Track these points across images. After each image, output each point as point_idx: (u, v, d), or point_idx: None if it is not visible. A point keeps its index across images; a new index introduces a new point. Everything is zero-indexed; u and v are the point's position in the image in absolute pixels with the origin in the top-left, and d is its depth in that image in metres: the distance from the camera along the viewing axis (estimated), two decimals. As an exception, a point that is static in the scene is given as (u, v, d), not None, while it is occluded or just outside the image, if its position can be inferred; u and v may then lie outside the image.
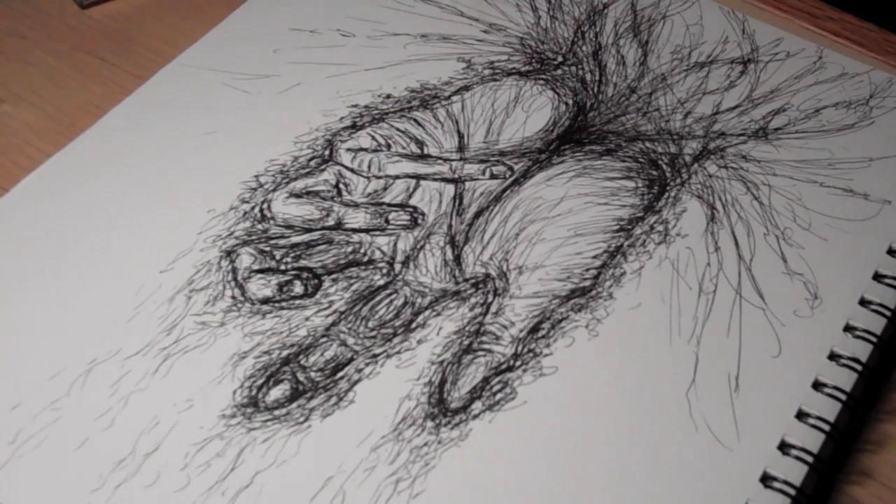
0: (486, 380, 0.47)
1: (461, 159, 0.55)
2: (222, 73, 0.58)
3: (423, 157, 0.55)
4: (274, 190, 0.53)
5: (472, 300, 0.49)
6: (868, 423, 0.48)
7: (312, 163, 0.54)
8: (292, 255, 0.50)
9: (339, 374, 0.46)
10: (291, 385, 0.46)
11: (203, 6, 0.64)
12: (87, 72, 0.60)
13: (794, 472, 0.44)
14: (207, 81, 0.58)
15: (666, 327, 0.49)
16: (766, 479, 0.44)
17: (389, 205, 0.53)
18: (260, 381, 0.46)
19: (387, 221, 0.52)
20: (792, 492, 0.43)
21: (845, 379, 0.47)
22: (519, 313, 0.49)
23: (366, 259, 0.51)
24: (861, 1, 0.66)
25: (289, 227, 0.52)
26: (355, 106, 0.57)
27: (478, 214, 0.53)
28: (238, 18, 0.62)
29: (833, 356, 0.48)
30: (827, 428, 0.45)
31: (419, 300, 0.49)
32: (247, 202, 0.52)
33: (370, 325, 0.48)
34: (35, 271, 0.49)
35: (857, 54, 0.63)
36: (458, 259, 0.51)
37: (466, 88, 0.59)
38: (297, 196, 0.53)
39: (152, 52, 0.61)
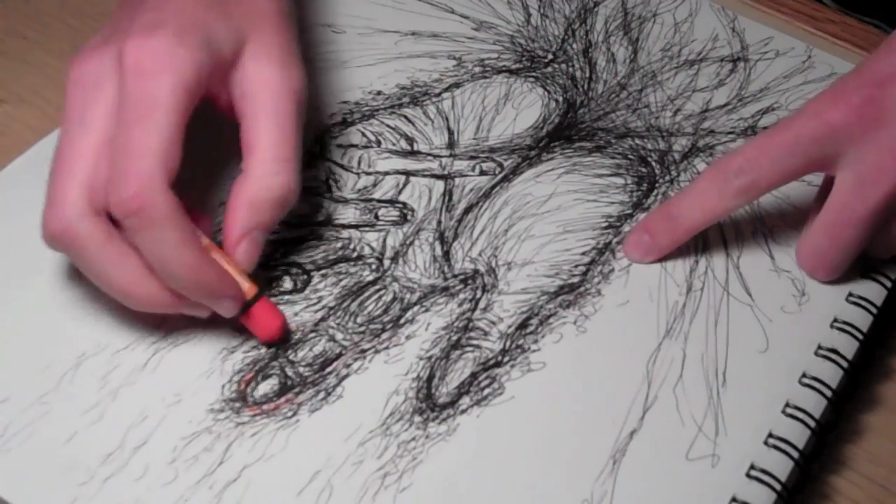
0: (473, 375, 0.47)
1: (451, 156, 0.56)
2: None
3: (412, 153, 0.56)
4: (264, 186, 0.53)
5: (461, 296, 0.50)
6: (849, 414, 0.49)
7: (302, 159, 0.54)
8: (281, 250, 0.51)
9: (328, 370, 0.46)
10: (280, 380, 0.46)
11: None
12: (86, 71, 0.60)
13: (781, 466, 0.44)
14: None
15: (654, 324, 0.49)
16: (752, 473, 0.44)
17: (379, 201, 0.53)
18: (248, 376, 0.46)
19: (376, 217, 0.52)
20: (778, 486, 0.44)
21: (832, 374, 0.47)
22: (507, 309, 0.49)
23: (355, 255, 0.51)
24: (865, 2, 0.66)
25: (278, 222, 0.52)
26: (346, 102, 0.57)
27: (467, 211, 0.53)
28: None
29: (819, 351, 0.48)
30: (812, 423, 0.46)
31: (408, 296, 0.49)
32: (236, 198, 0.52)
33: (359, 320, 0.48)
34: (23, 265, 0.49)
35: (856, 56, 0.63)
36: (446, 255, 0.51)
37: (457, 85, 0.59)
38: (287, 192, 0.53)
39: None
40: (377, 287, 0.50)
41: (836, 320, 0.49)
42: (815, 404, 0.46)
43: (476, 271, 0.51)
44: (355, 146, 0.55)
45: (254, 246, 0.46)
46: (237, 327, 0.47)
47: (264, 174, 0.46)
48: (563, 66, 0.61)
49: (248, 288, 0.46)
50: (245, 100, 0.47)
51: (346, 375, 0.46)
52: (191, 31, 0.44)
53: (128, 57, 0.43)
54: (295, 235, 0.51)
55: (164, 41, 0.43)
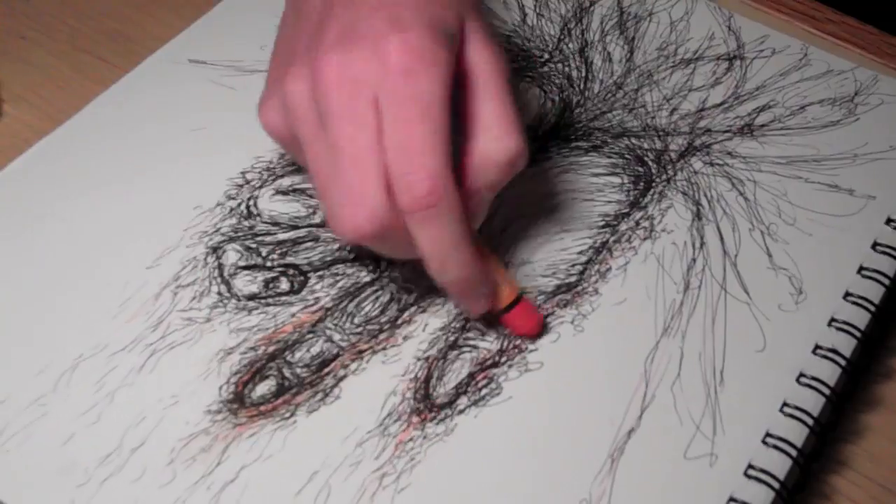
0: (471, 375, 0.47)
1: (448, 156, 0.55)
2: (208, 70, 0.58)
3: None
4: (260, 187, 0.53)
5: (458, 296, 0.49)
6: (849, 414, 0.49)
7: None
8: (279, 251, 0.51)
9: (325, 371, 0.46)
10: (277, 381, 0.46)
11: (206, 10, 0.63)
12: (87, 72, 0.60)
13: (778, 464, 0.44)
14: (193, 78, 0.58)
15: (651, 323, 0.49)
16: (750, 473, 0.44)
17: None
18: (246, 377, 0.46)
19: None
20: (776, 484, 0.44)
21: (829, 373, 0.47)
22: (505, 309, 0.49)
23: (352, 256, 0.51)
24: (861, 3, 0.66)
25: (275, 223, 0.52)
26: (342, 103, 0.57)
27: (464, 211, 0.53)
28: (221, 14, 0.62)
29: (817, 350, 0.48)
30: (810, 421, 0.46)
31: (405, 297, 0.49)
32: (233, 199, 0.52)
33: (356, 321, 0.48)
34: (20, 266, 0.49)
35: (854, 55, 0.63)
36: (444, 255, 0.51)
37: (453, 86, 0.59)
38: (284, 193, 0.53)
39: (153, 53, 0.61)
40: (374, 288, 0.50)
41: (834, 319, 0.49)
42: (814, 404, 0.46)
43: (473, 271, 0.50)
44: (352, 147, 0.55)
45: (481, 206, 0.46)
46: (233, 328, 0.47)
47: (496, 137, 0.45)
48: (560, 65, 0.61)
49: (507, 292, 0.47)
50: (467, 77, 0.46)
51: (344, 376, 0.46)
52: (437, 25, 0.44)
53: (391, 56, 0.43)
54: (292, 237, 0.51)
55: (424, 39, 0.43)
